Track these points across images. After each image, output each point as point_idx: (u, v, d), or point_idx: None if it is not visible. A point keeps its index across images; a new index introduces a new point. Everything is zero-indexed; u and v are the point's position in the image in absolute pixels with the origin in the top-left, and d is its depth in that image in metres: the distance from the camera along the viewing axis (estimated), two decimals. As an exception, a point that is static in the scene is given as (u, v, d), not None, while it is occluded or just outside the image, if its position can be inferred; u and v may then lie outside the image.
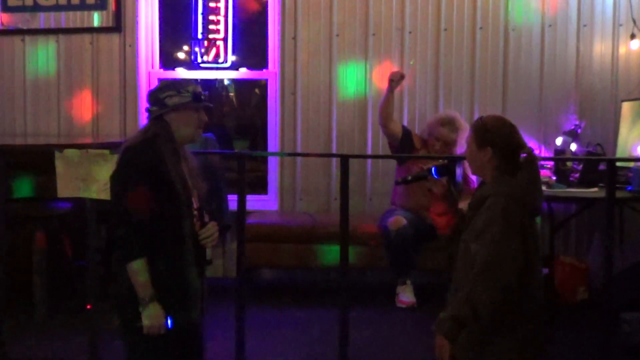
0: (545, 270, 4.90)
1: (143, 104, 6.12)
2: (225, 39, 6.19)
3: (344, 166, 3.77)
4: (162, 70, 6.39)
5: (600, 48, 5.92)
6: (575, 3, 5.91)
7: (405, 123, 5.91)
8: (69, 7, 6.25)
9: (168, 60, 6.59)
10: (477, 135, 2.89)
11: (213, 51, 6.19)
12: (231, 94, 8.31)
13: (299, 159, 6.21)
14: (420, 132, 5.80)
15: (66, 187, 3.95)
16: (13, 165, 4.45)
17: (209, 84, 6.92)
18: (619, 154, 5.43)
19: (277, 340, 4.69)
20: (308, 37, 6.11)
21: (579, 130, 5.72)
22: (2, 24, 6.31)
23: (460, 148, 5.22)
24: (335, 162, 5.97)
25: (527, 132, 5.68)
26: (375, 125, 5.99)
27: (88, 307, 4.00)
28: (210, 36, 6.17)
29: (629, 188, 4.85)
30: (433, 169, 3.20)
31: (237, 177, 3.93)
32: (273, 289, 5.97)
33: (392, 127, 5.56)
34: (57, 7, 6.25)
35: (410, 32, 6.04)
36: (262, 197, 6.34)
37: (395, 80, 5.47)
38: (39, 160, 4.46)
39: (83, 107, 6.29)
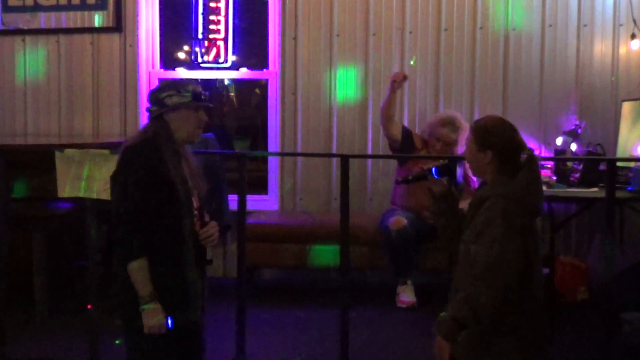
0: (546, 270, 4.90)
1: (143, 104, 6.12)
2: (225, 39, 6.19)
3: (344, 166, 3.77)
4: (162, 70, 6.39)
5: (600, 48, 5.91)
6: (576, 3, 5.90)
7: (405, 123, 5.91)
8: (70, 7, 6.25)
9: (168, 60, 6.59)
10: (477, 137, 2.89)
11: (213, 51, 6.19)
12: (231, 94, 8.32)
13: (299, 159, 6.21)
14: (420, 132, 5.80)
15: (66, 187, 3.95)
16: (13, 165, 4.45)
17: (210, 84, 6.92)
18: (619, 154, 5.42)
19: (277, 340, 4.69)
20: (308, 37, 6.11)
21: (579, 130, 5.71)
22: (3, 24, 6.31)
23: (461, 148, 5.22)
24: (335, 162, 5.97)
25: (528, 132, 5.69)
26: (376, 125, 5.99)
27: (89, 307, 4.00)
28: (211, 36, 6.18)
29: (629, 188, 4.84)
30: (433, 169, 3.20)
31: (237, 177, 3.93)
32: (273, 289, 5.97)
33: (393, 127, 5.56)
34: (57, 7, 6.26)
35: (410, 32, 6.04)
36: (263, 197, 6.34)
37: (397, 81, 5.47)
38: (39, 160, 4.47)
39: (83, 107, 6.30)
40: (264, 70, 6.33)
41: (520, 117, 5.83)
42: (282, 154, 6.36)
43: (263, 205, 6.23)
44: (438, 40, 6.03)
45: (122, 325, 2.97)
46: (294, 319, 5.12)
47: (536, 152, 5.53)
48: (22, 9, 6.28)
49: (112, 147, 4.03)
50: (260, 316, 4.94)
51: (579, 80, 5.94)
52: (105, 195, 3.66)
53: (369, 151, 6.12)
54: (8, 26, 6.31)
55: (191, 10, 6.18)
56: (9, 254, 4.22)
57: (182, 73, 6.30)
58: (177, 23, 6.48)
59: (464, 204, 3.21)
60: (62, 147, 4.06)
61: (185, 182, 2.97)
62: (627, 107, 5.47)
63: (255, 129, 7.91)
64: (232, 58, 6.24)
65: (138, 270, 2.83)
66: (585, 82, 5.93)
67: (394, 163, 5.86)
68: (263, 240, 5.56)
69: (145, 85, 6.27)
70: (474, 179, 5.15)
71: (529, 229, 2.79)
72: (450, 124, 5.53)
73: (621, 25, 5.86)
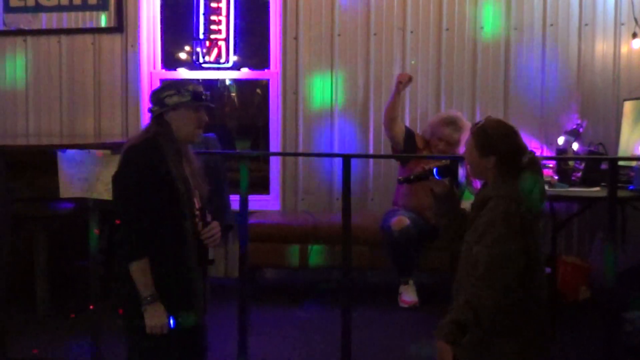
0: (548, 270, 4.90)
1: (145, 104, 6.13)
2: (226, 39, 6.19)
3: (346, 166, 3.77)
4: (163, 70, 6.40)
5: (602, 47, 5.91)
6: (577, 2, 5.89)
7: (407, 123, 5.90)
8: (71, 8, 6.26)
9: (170, 61, 6.60)
10: (479, 143, 2.89)
11: (215, 51, 6.19)
12: (233, 94, 8.31)
13: (300, 158, 6.21)
14: (422, 132, 5.80)
15: (68, 188, 3.95)
16: (15, 165, 4.46)
17: (211, 84, 6.92)
18: (621, 153, 5.42)
19: (279, 340, 4.69)
20: (310, 37, 6.11)
21: (581, 130, 5.71)
22: (4, 24, 6.32)
23: (464, 148, 5.21)
24: (337, 162, 5.97)
25: (529, 131, 5.70)
26: (377, 125, 5.99)
27: (90, 307, 4.01)
28: (212, 36, 6.18)
29: (631, 187, 4.84)
30: (434, 169, 3.19)
31: (238, 177, 3.92)
32: (275, 289, 5.97)
33: (397, 129, 5.55)
34: (59, 8, 6.27)
35: (411, 32, 6.04)
36: (264, 197, 6.34)
37: (403, 82, 5.47)
38: (41, 160, 4.47)
39: (85, 108, 6.31)
40: (265, 70, 6.34)
41: (522, 117, 5.84)
42: (284, 154, 6.36)
43: (265, 205, 6.23)
44: (439, 40, 6.03)
45: (124, 325, 2.97)
46: (296, 319, 5.12)
47: (538, 152, 5.56)
48: (24, 9, 6.29)
49: (113, 147, 4.03)
50: (262, 316, 4.94)
51: (580, 79, 5.93)
52: (107, 195, 3.68)
53: (371, 151, 6.12)
54: (10, 27, 6.32)
55: (192, 10, 6.19)
56: (11, 254, 4.23)
57: (183, 73, 6.31)
58: (179, 23, 6.48)
59: (466, 204, 3.21)
60: (63, 147, 4.07)
61: (187, 182, 2.97)
62: (628, 106, 5.46)
63: (256, 129, 7.90)
64: (233, 58, 6.24)
65: (140, 270, 2.84)
66: (587, 82, 5.93)
67: (395, 163, 5.86)
68: (265, 240, 5.56)
69: (146, 86, 6.27)
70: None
71: (531, 230, 2.79)
72: (453, 123, 5.52)
73: (622, 24, 5.85)
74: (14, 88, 6.35)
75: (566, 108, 5.91)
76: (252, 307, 3.98)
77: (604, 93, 5.91)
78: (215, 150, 5.30)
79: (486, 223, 2.77)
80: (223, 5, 6.16)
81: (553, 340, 4.33)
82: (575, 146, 5.63)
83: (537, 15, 5.94)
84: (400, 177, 4.01)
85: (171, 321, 2.87)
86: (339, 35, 6.09)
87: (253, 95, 8.14)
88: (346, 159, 3.80)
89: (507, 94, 6.00)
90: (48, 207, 4.91)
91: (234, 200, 4.48)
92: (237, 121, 8.43)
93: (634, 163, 4.96)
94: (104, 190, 3.84)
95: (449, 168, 3.24)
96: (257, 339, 4.26)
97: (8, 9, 6.31)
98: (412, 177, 3.34)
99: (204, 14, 6.16)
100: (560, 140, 5.69)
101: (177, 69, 6.39)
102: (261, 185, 6.48)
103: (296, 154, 6.33)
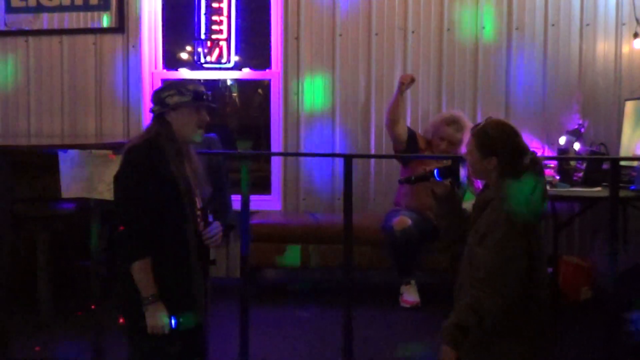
0: (549, 270, 4.90)
1: (146, 104, 6.13)
2: (228, 40, 6.19)
3: (347, 166, 3.77)
4: (165, 70, 6.40)
5: (603, 47, 5.90)
6: (578, 2, 5.89)
7: (408, 123, 5.89)
8: (72, 8, 6.26)
9: (171, 61, 6.60)
10: (480, 144, 2.88)
11: (216, 51, 6.19)
12: (234, 94, 8.30)
13: (302, 159, 6.22)
14: (423, 132, 5.80)
15: (70, 188, 3.95)
16: (17, 165, 4.46)
17: (212, 85, 6.92)
18: (623, 153, 5.42)
19: (280, 340, 4.69)
20: (311, 37, 6.11)
21: (582, 130, 5.71)
22: (6, 24, 6.32)
23: (465, 148, 5.21)
24: (338, 162, 5.97)
25: (531, 131, 5.69)
26: (379, 125, 6.00)
27: (92, 307, 4.01)
28: (213, 36, 6.18)
29: (633, 187, 4.84)
30: (436, 171, 3.19)
31: (240, 177, 3.92)
32: (276, 289, 5.97)
33: (399, 130, 5.55)
34: (60, 8, 6.27)
35: (413, 32, 6.04)
36: (266, 197, 6.34)
37: (405, 83, 5.47)
38: (42, 160, 4.48)
39: (86, 108, 6.31)
40: (267, 70, 6.34)
41: (523, 117, 5.84)
42: (285, 154, 6.36)
43: (266, 205, 6.23)
44: (440, 40, 6.03)
45: (126, 325, 2.98)
46: (297, 319, 5.12)
47: (539, 152, 5.55)
48: (25, 9, 6.29)
49: (115, 147, 4.04)
50: (263, 316, 4.94)
51: (581, 79, 5.93)
52: (109, 195, 3.68)
53: (372, 151, 6.12)
54: (11, 27, 6.32)
55: (194, 10, 6.19)
56: (12, 254, 4.23)
57: (184, 73, 6.31)
58: (180, 23, 6.48)
59: (467, 205, 3.21)
60: (65, 147, 4.07)
61: (188, 182, 2.97)
62: (630, 106, 5.46)
63: (258, 129, 7.90)
64: (234, 58, 6.24)
65: (141, 270, 2.84)
66: (588, 82, 5.93)
67: (396, 163, 5.86)
68: (266, 240, 5.56)
69: (148, 86, 6.28)
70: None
71: (533, 231, 2.79)
72: (455, 123, 5.52)
73: (624, 24, 5.85)
74: (16, 88, 6.35)
75: (567, 108, 5.91)
76: (253, 307, 3.98)
77: (606, 93, 5.91)
78: (216, 151, 5.30)
79: (488, 225, 2.76)
80: (224, 5, 6.16)
81: (555, 340, 4.33)
82: (576, 146, 5.63)
83: (538, 15, 5.94)
84: (401, 178, 4.01)
85: (172, 321, 2.87)
86: (340, 35, 6.09)
87: (254, 95, 8.13)
88: (347, 159, 3.80)
89: (508, 94, 5.99)
90: (49, 207, 4.91)
91: (236, 201, 4.48)
92: (238, 121, 8.43)
93: (635, 163, 4.96)
94: (105, 191, 3.84)
95: (450, 169, 3.23)
96: (258, 339, 4.26)
97: (9, 9, 6.31)
98: (413, 178, 3.34)
99: (205, 14, 6.16)
100: (562, 140, 5.69)
101: (179, 69, 6.40)
102: (262, 186, 6.49)
103: (297, 154, 6.33)
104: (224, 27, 6.18)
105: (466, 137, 5.29)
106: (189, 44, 6.65)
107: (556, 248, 5.28)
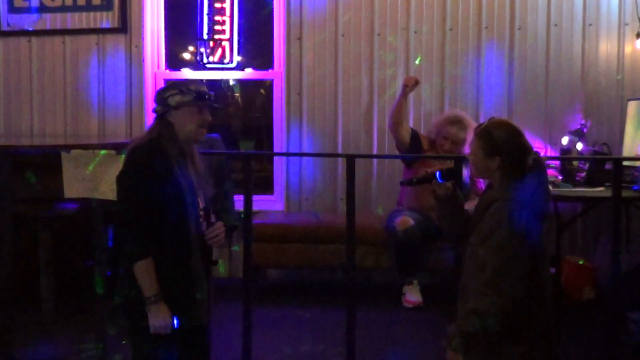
0: (552, 270, 4.89)
1: (149, 104, 6.14)
2: (230, 40, 6.19)
3: (350, 166, 3.77)
4: (167, 70, 6.40)
5: (605, 47, 5.90)
6: (581, 2, 5.89)
7: (410, 123, 5.89)
8: (75, 8, 6.27)
9: (174, 61, 6.60)
10: (484, 144, 2.88)
11: (219, 52, 6.19)
12: (237, 95, 8.31)
13: (304, 159, 6.21)
14: (427, 132, 5.80)
15: (73, 188, 3.96)
16: (20, 165, 4.47)
17: (215, 85, 6.92)
18: (625, 153, 5.42)
19: (283, 340, 4.69)
20: (313, 37, 6.11)
21: (585, 130, 5.71)
22: (9, 25, 6.33)
23: (468, 147, 5.21)
24: (341, 162, 5.98)
25: (533, 131, 5.69)
26: (381, 125, 6.00)
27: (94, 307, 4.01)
28: (216, 37, 6.18)
29: (635, 187, 4.84)
30: (437, 173, 3.18)
31: (243, 178, 3.93)
32: (279, 289, 5.97)
33: (403, 132, 5.55)
34: (63, 9, 6.28)
35: (415, 32, 6.03)
36: (268, 197, 6.34)
37: (409, 85, 5.47)
38: (45, 160, 4.48)
39: (89, 108, 6.31)
40: (269, 70, 6.34)
41: (526, 117, 5.83)
42: (288, 154, 6.36)
43: (269, 205, 6.23)
44: (443, 40, 6.02)
45: (128, 325, 2.98)
46: (300, 319, 5.12)
47: (542, 152, 5.55)
48: (28, 10, 6.29)
49: (117, 147, 4.04)
50: (266, 316, 4.95)
51: (584, 79, 5.93)
52: (111, 195, 3.68)
53: (375, 151, 6.12)
54: (14, 27, 6.33)
55: (196, 10, 6.19)
56: (15, 254, 4.23)
57: (187, 74, 6.31)
58: (183, 24, 6.48)
59: (470, 205, 3.21)
60: (68, 147, 4.07)
61: (191, 182, 2.97)
62: (632, 106, 5.46)
63: (260, 129, 7.91)
64: (237, 58, 6.24)
65: (144, 270, 2.84)
66: (591, 82, 5.92)
67: (399, 163, 5.86)
68: (269, 240, 5.56)
69: (150, 86, 6.28)
70: (480, 180, 5.15)
71: (536, 233, 2.78)
72: (458, 122, 5.52)
73: (627, 24, 5.85)
74: (19, 88, 6.36)
75: (570, 108, 5.90)
76: (256, 307, 3.97)
77: (608, 93, 5.90)
78: (219, 151, 5.29)
79: (491, 225, 2.76)
80: (227, 5, 6.16)
81: (557, 341, 4.33)
82: (579, 146, 5.63)
83: (540, 15, 5.93)
84: (403, 180, 4.01)
85: (175, 321, 2.88)
86: (342, 35, 6.09)
87: (257, 95, 8.14)
88: (350, 159, 3.80)
89: (511, 94, 5.99)
90: (53, 207, 4.92)
91: (238, 201, 4.48)
92: (241, 121, 8.43)
93: (638, 163, 4.96)
94: (107, 191, 3.85)
95: (452, 171, 3.23)
96: (261, 339, 4.26)
97: (12, 9, 6.32)
98: (414, 180, 3.33)
99: (207, 14, 6.16)
100: (565, 140, 5.68)
101: (181, 70, 6.40)
102: (265, 186, 6.49)
103: (300, 154, 6.33)
104: (227, 27, 6.18)
105: (470, 136, 5.30)
106: (191, 44, 6.65)
107: (559, 248, 5.26)
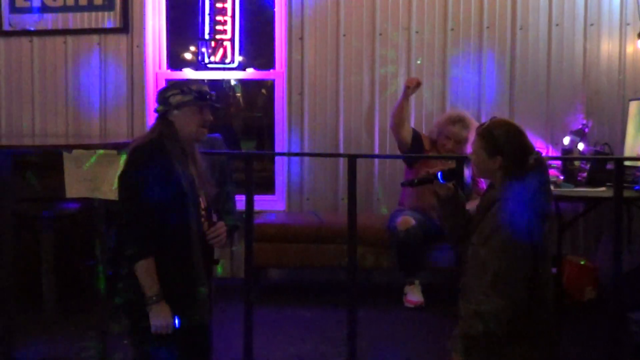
0: (553, 270, 4.89)
1: (150, 104, 6.14)
2: (232, 40, 6.19)
3: (352, 166, 3.77)
4: (169, 70, 6.41)
5: (607, 47, 5.90)
6: (582, 2, 5.89)
7: (412, 124, 5.89)
8: (77, 8, 6.27)
9: (175, 61, 6.61)
10: (486, 144, 2.88)
11: (220, 52, 6.19)
12: (238, 95, 8.32)
13: (306, 159, 6.21)
14: (428, 132, 5.79)
15: (74, 188, 3.96)
16: (21, 165, 4.47)
17: (216, 85, 6.93)
18: (627, 153, 5.41)
19: (284, 339, 4.69)
20: (315, 37, 6.11)
21: (587, 130, 5.70)
22: (10, 25, 6.34)
23: (470, 147, 5.21)
24: (342, 162, 5.98)
25: (535, 131, 5.68)
26: (383, 125, 5.99)
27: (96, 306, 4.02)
28: (218, 37, 6.18)
29: (637, 187, 4.84)
30: (439, 173, 3.18)
31: (244, 177, 3.93)
32: (280, 289, 5.97)
33: (404, 132, 5.54)
34: (64, 9, 6.28)
35: (417, 32, 6.03)
36: (270, 197, 6.34)
37: (411, 87, 5.46)
38: (47, 160, 4.48)
39: (91, 108, 6.32)
40: (271, 70, 6.34)
41: (527, 117, 5.83)
42: (289, 154, 6.36)
43: (270, 205, 6.23)
44: (445, 40, 6.02)
45: (129, 325, 2.98)
46: (301, 319, 5.12)
47: (543, 152, 5.54)
48: (30, 10, 6.30)
49: (119, 147, 4.04)
50: (267, 316, 4.95)
51: (586, 79, 5.92)
52: (113, 195, 3.68)
53: (376, 151, 6.12)
54: (15, 27, 6.33)
55: (198, 10, 6.19)
56: (16, 253, 4.23)
57: (188, 74, 6.31)
58: (184, 24, 6.49)
59: (471, 205, 3.21)
60: (69, 147, 4.08)
61: (193, 182, 2.97)
62: (634, 106, 5.45)
63: (261, 129, 7.92)
64: (238, 58, 6.24)
65: (145, 270, 2.84)
66: (592, 82, 5.92)
67: (401, 163, 5.86)
68: (270, 240, 5.56)
69: (152, 86, 6.28)
70: (482, 180, 5.14)
71: (538, 233, 2.78)
72: (460, 121, 5.52)
73: (628, 24, 5.84)
74: (20, 88, 6.36)
75: (572, 108, 5.90)
76: (257, 307, 3.97)
77: (610, 93, 5.90)
78: (220, 151, 5.30)
79: (493, 226, 2.76)
80: (228, 5, 6.16)
81: (558, 341, 4.33)
82: (580, 146, 5.62)
83: (542, 15, 5.93)
84: (404, 181, 4.01)
85: (176, 321, 2.88)
86: (344, 35, 6.09)
87: (258, 95, 8.15)
88: (351, 159, 3.80)
89: (513, 94, 5.99)
90: (54, 207, 4.92)
91: (240, 201, 4.49)
92: (242, 121, 8.45)
93: (639, 163, 4.95)
94: (109, 191, 3.85)
95: (453, 172, 3.23)
96: (263, 339, 4.26)
97: (14, 9, 6.32)
98: (415, 180, 3.33)
99: (209, 14, 6.16)
100: (566, 140, 5.68)
101: (183, 69, 6.40)
102: (266, 186, 6.49)
103: (301, 154, 6.33)
104: (228, 27, 6.18)
105: (472, 135, 5.30)
106: (193, 44, 6.65)
107: (560, 248, 5.26)
